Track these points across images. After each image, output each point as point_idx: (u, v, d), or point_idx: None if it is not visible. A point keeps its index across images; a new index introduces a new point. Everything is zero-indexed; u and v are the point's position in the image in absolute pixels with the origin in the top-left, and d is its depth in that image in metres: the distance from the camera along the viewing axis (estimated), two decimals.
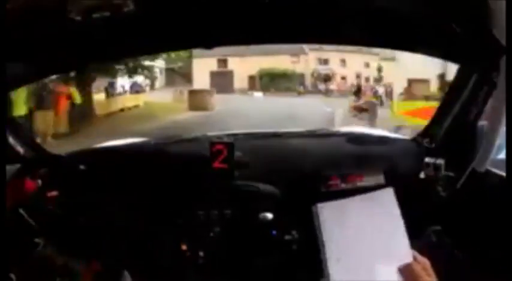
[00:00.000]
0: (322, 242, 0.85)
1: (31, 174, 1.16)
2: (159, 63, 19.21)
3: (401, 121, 7.44)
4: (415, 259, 0.89)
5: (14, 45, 0.90)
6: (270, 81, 24.30)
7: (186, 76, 25.02)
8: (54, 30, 0.94)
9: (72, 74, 9.03)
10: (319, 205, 0.89)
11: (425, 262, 0.89)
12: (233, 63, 24.38)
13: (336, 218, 0.89)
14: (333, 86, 23.66)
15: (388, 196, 0.93)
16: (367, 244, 0.88)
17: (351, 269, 0.85)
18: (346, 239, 0.87)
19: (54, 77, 7.24)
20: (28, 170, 1.16)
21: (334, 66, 24.69)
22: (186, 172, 1.41)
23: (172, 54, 14.82)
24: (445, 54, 1.26)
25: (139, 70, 13.23)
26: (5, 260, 0.85)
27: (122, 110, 12.97)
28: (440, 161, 1.33)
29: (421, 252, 0.94)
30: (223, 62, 24.54)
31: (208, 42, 1.25)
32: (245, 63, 23.32)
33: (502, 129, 1.04)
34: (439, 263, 0.91)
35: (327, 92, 22.51)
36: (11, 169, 1.09)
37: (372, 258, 0.87)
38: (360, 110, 12.04)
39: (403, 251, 0.89)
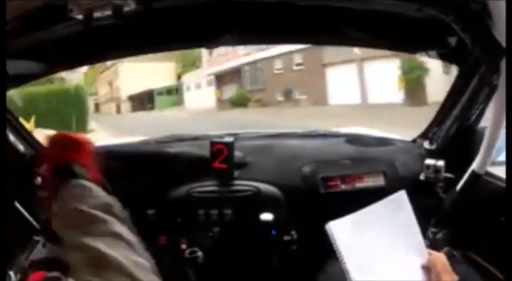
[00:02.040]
0: (341, 257, 0.87)
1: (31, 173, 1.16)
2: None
3: None
4: (430, 254, 0.93)
5: (14, 44, 0.90)
6: None
7: None
8: (55, 29, 0.94)
9: None
10: (331, 223, 0.90)
11: (441, 255, 0.93)
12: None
13: (350, 232, 0.91)
14: None
15: (402, 198, 0.96)
16: (386, 247, 0.92)
17: (373, 272, 0.88)
18: (364, 249, 0.90)
19: None
20: (28, 168, 1.16)
21: None
22: (185, 172, 1.41)
23: None
24: (445, 56, 1.26)
25: None
26: (5, 259, 0.85)
27: None
28: (441, 163, 1.33)
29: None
30: None
31: (209, 42, 1.25)
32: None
33: (502, 132, 1.04)
34: None
35: None
36: None
37: (392, 259, 0.91)
38: None
39: (419, 249, 0.94)
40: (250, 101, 17.61)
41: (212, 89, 21.18)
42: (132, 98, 30.48)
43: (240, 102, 17.65)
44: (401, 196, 0.96)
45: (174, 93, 27.98)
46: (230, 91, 19.21)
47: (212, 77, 21.27)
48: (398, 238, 0.93)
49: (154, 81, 26.98)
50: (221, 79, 20.69)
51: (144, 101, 29.11)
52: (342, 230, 0.90)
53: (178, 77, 28.70)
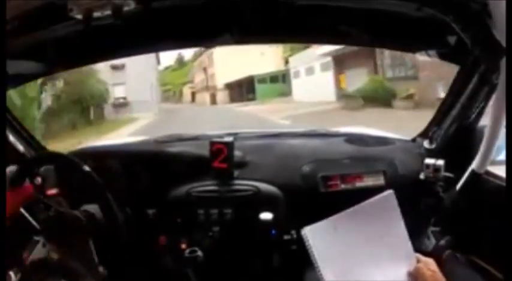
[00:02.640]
0: (317, 265, 0.81)
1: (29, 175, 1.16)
2: None
3: None
4: (419, 260, 0.87)
5: (14, 44, 0.90)
6: None
7: None
8: (55, 29, 0.94)
9: None
10: (306, 229, 0.83)
11: (431, 262, 0.87)
12: None
13: (329, 237, 0.84)
14: None
15: (389, 200, 0.88)
16: (369, 253, 0.85)
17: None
18: (345, 255, 0.83)
19: None
20: (28, 168, 1.16)
21: None
22: (185, 171, 1.41)
23: None
24: (445, 55, 1.26)
25: None
26: (4, 258, 0.85)
27: None
28: (440, 162, 1.33)
29: (423, 254, 0.95)
30: None
31: (208, 42, 1.25)
32: None
33: (502, 131, 1.04)
34: (439, 266, 0.92)
35: None
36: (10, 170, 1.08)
37: (375, 267, 0.84)
38: None
39: (406, 254, 0.88)
40: (395, 96, 10.34)
41: (329, 76, 14.46)
42: (230, 87, 26.03)
43: (376, 96, 10.56)
44: (389, 196, 0.88)
45: (280, 80, 22.79)
46: (358, 79, 11.88)
47: (329, 59, 14.47)
48: (384, 243, 0.85)
49: (256, 67, 22.37)
50: (342, 61, 13.49)
51: (243, 90, 24.44)
52: (319, 236, 0.82)
53: (286, 61, 23.16)
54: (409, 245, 0.88)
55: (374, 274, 0.83)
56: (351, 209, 0.86)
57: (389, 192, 0.88)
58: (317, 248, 0.81)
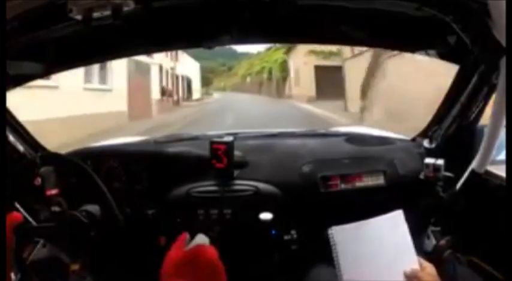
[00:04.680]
0: (337, 262, 0.91)
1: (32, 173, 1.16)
2: None
3: None
4: (420, 265, 0.91)
5: (14, 44, 0.90)
6: None
7: None
8: (55, 29, 0.94)
9: None
10: (334, 228, 0.94)
11: (430, 266, 0.91)
12: None
13: (350, 240, 0.94)
14: None
15: (398, 218, 0.97)
16: (378, 261, 0.93)
17: None
18: (358, 258, 0.93)
19: None
20: (28, 168, 1.17)
21: None
22: (185, 172, 1.41)
23: None
24: (445, 55, 1.26)
25: None
26: (4, 259, 0.85)
27: None
28: (440, 162, 1.33)
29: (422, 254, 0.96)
30: None
31: (208, 42, 1.25)
32: None
33: (502, 130, 1.04)
34: (439, 266, 0.92)
35: None
36: None
37: (383, 273, 0.92)
38: None
39: (410, 263, 0.93)
40: None
41: None
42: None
43: None
44: (398, 215, 0.97)
45: None
46: None
47: None
48: (393, 255, 0.94)
49: None
50: None
51: None
52: (342, 237, 0.92)
53: None
54: (413, 255, 0.94)
55: (383, 275, 0.91)
56: (368, 220, 0.96)
57: (399, 211, 0.98)
58: (340, 247, 0.92)
